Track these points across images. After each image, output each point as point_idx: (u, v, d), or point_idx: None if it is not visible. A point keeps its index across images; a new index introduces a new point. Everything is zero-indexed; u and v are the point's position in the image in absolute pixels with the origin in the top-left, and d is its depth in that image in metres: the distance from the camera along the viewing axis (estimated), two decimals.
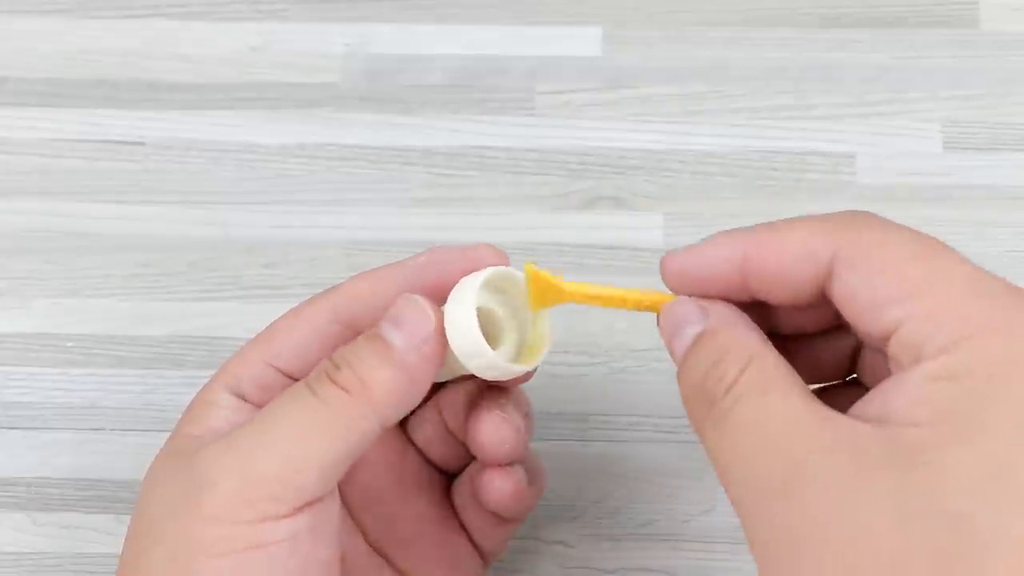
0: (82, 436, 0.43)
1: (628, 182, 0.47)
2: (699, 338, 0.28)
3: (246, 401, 0.33)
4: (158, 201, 0.47)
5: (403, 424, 0.37)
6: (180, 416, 0.34)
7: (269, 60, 0.49)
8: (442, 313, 0.31)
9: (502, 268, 0.32)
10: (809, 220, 0.28)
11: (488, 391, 0.34)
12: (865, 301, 0.26)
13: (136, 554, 0.31)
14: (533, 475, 0.36)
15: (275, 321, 0.34)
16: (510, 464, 0.34)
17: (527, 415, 0.35)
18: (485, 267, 0.32)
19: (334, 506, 0.31)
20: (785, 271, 0.28)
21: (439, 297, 0.32)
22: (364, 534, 0.36)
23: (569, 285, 0.31)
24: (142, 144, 0.48)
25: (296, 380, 0.33)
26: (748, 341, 0.28)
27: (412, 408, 0.31)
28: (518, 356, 0.33)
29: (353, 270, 0.45)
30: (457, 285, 0.32)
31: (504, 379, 0.32)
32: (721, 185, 0.46)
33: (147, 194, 0.47)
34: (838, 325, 0.30)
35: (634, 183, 0.47)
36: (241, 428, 0.31)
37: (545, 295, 0.32)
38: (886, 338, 0.26)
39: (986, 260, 0.46)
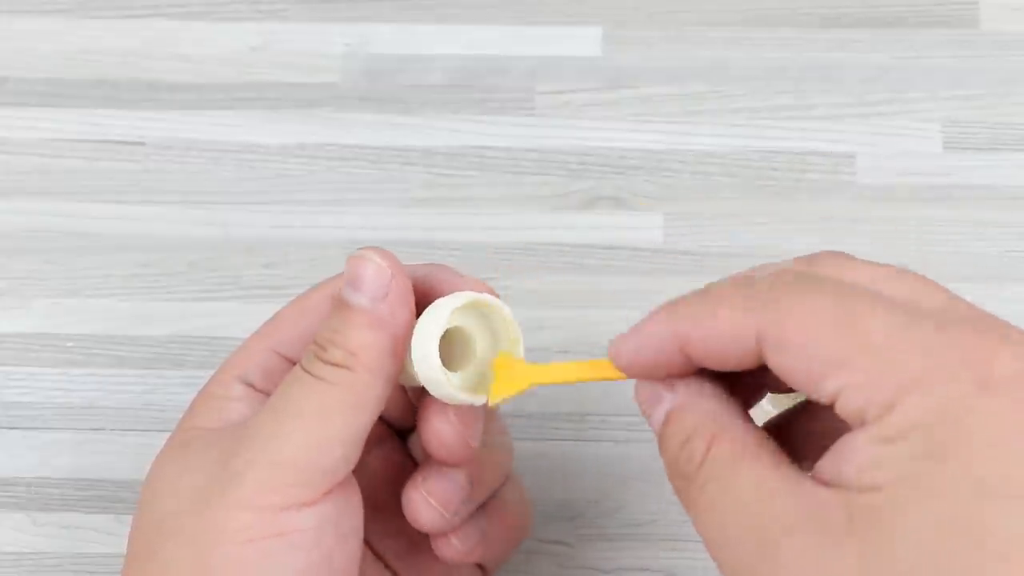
0: (82, 436, 0.43)
1: (628, 182, 0.47)
2: (668, 416, 0.29)
3: (256, 390, 0.34)
4: (158, 201, 0.47)
5: (404, 439, 0.37)
6: (182, 414, 0.34)
7: (269, 60, 0.49)
8: (397, 263, 0.32)
9: (486, 296, 0.32)
10: (732, 295, 0.28)
11: (426, 459, 0.34)
12: (800, 377, 0.26)
13: (150, 548, 0.31)
14: (499, 520, 0.35)
15: (279, 311, 0.35)
16: (448, 532, 0.34)
17: (477, 480, 0.34)
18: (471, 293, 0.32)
19: (357, 503, 0.32)
20: (718, 354, 0.28)
21: (424, 305, 0.32)
22: (368, 544, 0.36)
23: (533, 368, 0.32)
24: (142, 144, 0.48)
25: None
26: (713, 414, 0.28)
27: (404, 353, 0.31)
28: (477, 386, 0.33)
29: None
30: (434, 303, 0.32)
31: (453, 403, 0.32)
32: (721, 185, 0.46)
33: (147, 194, 0.47)
34: None
35: (634, 183, 0.47)
36: (256, 419, 0.31)
37: (511, 379, 0.32)
38: (830, 403, 0.26)
39: (986, 260, 0.47)
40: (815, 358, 0.26)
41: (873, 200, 0.46)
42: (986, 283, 0.45)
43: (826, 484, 0.25)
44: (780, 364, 0.26)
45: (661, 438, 0.29)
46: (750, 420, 0.28)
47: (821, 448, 0.26)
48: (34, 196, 0.47)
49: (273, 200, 0.47)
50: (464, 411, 0.32)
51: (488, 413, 0.34)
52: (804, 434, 0.31)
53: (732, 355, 0.27)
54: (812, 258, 0.29)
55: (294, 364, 0.34)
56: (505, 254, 0.45)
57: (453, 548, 0.34)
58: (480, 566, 0.37)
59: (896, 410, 0.24)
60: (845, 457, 0.25)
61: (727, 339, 0.27)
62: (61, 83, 0.49)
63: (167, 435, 0.33)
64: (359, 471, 0.35)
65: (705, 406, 0.28)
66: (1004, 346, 0.25)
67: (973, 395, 0.24)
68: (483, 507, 0.35)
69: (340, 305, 0.32)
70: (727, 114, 0.48)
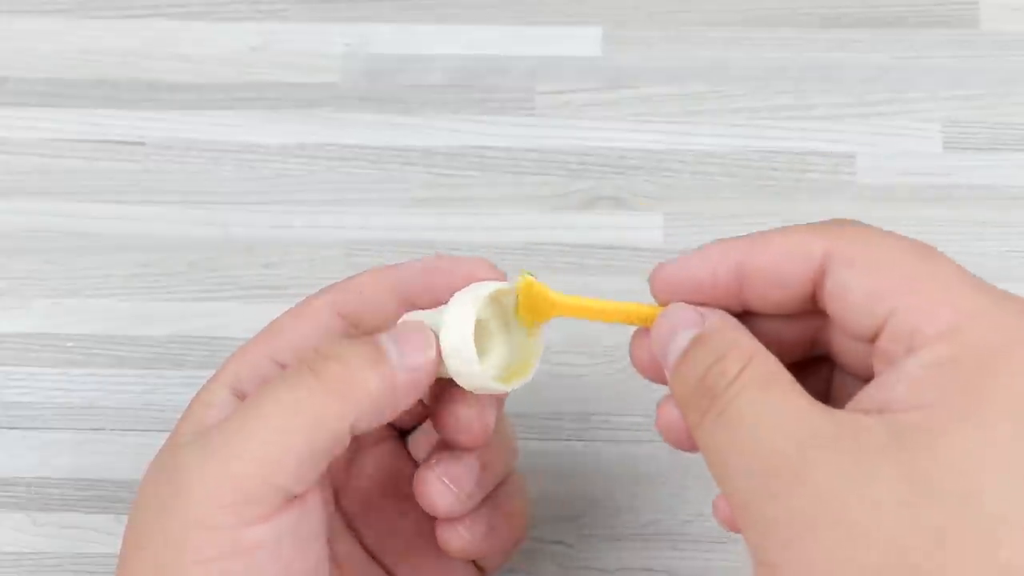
0: (82, 436, 0.43)
1: (628, 182, 0.47)
2: (699, 337, 0.29)
3: (243, 398, 0.33)
4: (158, 201, 0.47)
5: (403, 438, 0.37)
6: (180, 416, 0.34)
7: (269, 60, 0.49)
8: (438, 345, 0.31)
9: (506, 285, 0.32)
10: (802, 226, 0.29)
11: (439, 445, 0.34)
12: (859, 293, 0.27)
13: (127, 556, 0.31)
14: (504, 513, 0.35)
15: (277, 318, 0.34)
16: (455, 519, 0.34)
17: (487, 467, 0.34)
18: (478, 280, 0.32)
19: (317, 509, 0.31)
20: (780, 269, 0.28)
21: (433, 302, 0.32)
22: (361, 541, 0.36)
23: (560, 297, 0.31)
24: (142, 144, 0.48)
25: None
26: (749, 341, 0.28)
27: (383, 422, 0.31)
28: (504, 372, 0.33)
29: (353, 270, 0.45)
30: (459, 295, 0.31)
31: (484, 392, 0.32)
32: (721, 185, 0.46)
33: (147, 194, 0.47)
34: (813, 356, 0.31)
35: (634, 183, 0.47)
36: (217, 427, 0.30)
37: (536, 308, 0.32)
38: (877, 332, 0.27)
39: (986, 260, 0.47)
40: (881, 277, 0.26)
41: (873, 200, 0.46)
42: None
43: (865, 412, 0.25)
44: (842, 280, 0.27)
45: (686, 356, 0.29)
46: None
47: None
48: (34, 196, 0.47)
49: (273, 200, 0.47)
50: (483, 395, 0.32)
51: (498, 400, 0.34)
52: None
53: (791, 276, 0.28)
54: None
55: None
56: (505, 254, 0.45)
57: (461, 538, 0.34)
58: (479, 568, 0.37)
59: (952, 336, 0.25)
60: (891, 383, 0.25)
61: (793, 256, 0.28)
62: (61, 83, 0.49)
63: (167, 435, 0.33)
64: (357, 471, 0.35)
65: (741, 332, 0.29)
66: None
67: None
68: (488, 500, 0.35)
69: (370, 343, 0.31)
70: (727, 114, 0.48)
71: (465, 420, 0.32)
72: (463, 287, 0.32)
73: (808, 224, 0.29)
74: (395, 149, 0.47)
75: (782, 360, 0.29)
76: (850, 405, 0.26)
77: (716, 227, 0.46)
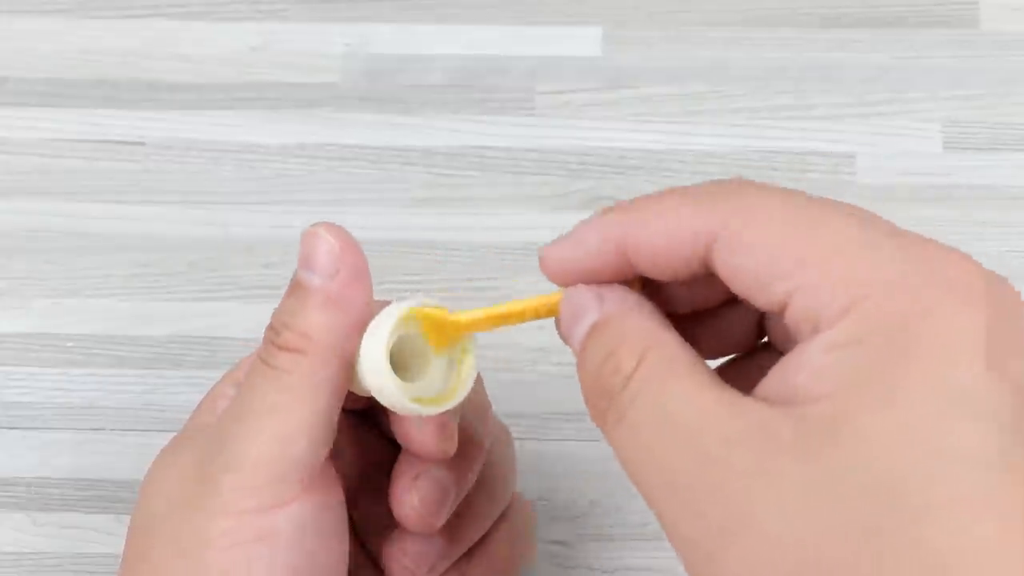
0: (82, 436, 0.43)
1: (628, 182, 0.47)
2: (594, 327, 0.27)
3: None
4: (158, 201, 0.47)
5: (377, 423, 0.37)
6: (191, 411, 0.34)
7: (269, 60, 0.49)
8: (350, 239, 0.30)
9: (426, 305, 0.30)
10: (683, 195, 0.26)
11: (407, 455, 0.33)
12: (750, 279, 0.24)
13: (142, 550, 0.31)
14: (488, 566, 0.35)
15: None
16: (427, 534, 0.33)
17: (456, 482, 0.33)
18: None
19: (338, 503, 0.31)
20: (664, 254, 0.26)
21: None
22: (366, 550, 0.36)
23: (463, 316, 0.30)
24: (142, 144, 0.48)
25: None
26: (645, 327, 0.26)
27: (361, 332, 0.30)
28: (439, 394, 0.31)
29: None
30: (381, 312, 0.30)
31: (407, 413, 0.31)
32: None
33: (147, 194, 0.47)
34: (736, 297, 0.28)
35: (634, 183, 0.47)
36: (224, 416, 0.31)
37: (442, 332, 0.30)
38: (781, 312, 0.24)
39: (986, 260, 0.46)
40: (770, 256, 0.24)
41: (873, 200, 0.46)
42: None
43: (769, 402, 0.23)
44: (730, 264, 0.25)
45: (582, 351, 0.27)
46: (680, 338, 0.26)
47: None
48: (34, 196, 0.47)
49: (273, 200, 0.47)
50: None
51: (475, 458, 0.33)
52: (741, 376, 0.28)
53: (680, 257, 0.25)
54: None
55: None
56: (505, 254, 0.45)
57: (426, 549, 0.33)
58: None
59: (854, 313, 0.23)
60: (794, 369, 0.23)
61: (675, 240, 0.25)
62: (61, 83, 0.49)
63: (167, 435, 0.33)
64: (364, 481, 0.35)
65: (637, 318, 0.26)
66: (962, 257, 0.24)
67: (936, 300, 0.23)
68: (469, 553, 0.34)
69: (294, 285, 0.31)
70: (727, 114, 0.48)
71: (418, 440, 0.31)
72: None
73: (691, 192, 0.26)
74: (395, 149, 0.47)
75: (700, 313, 0.27)
76: (759, 389, 0.24)
77: None
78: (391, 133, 0.48)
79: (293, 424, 0.29)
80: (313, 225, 0.31)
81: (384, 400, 0.30)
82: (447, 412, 0.31)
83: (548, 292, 0.29)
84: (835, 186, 0.46)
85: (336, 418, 0.30)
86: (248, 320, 0.44)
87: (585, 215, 0.47)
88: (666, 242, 0.26)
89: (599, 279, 0.27)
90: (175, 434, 0.33)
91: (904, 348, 0.22)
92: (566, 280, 0.28)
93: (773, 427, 0.23)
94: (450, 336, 0.30)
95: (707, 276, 0.26)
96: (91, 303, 0.45)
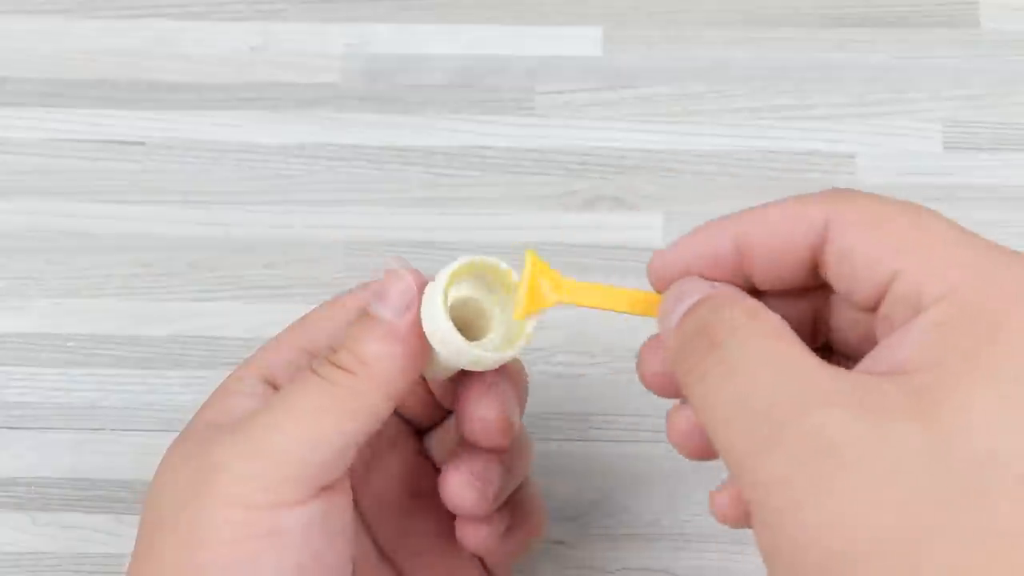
0: (82, 436, 0.43)
1: (628, 182, 0.47)
2: (705, 297, 0.28)
3: (276, 388, 0.33)
4: (158, 201, 0.47)
5: (422, 439, 0.37)
6: (191, 411, 0.34)
7: (269, 60, 0.49)
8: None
9: (479, 258, 0.32)
10: (798, 196, 0.28)
11: (462, 446, 0.34)
12: (861, 258, 0.26)
13: (148, 544, 0.31)
14: (522, 515, 0.35)
15: (311, 311, 0.35)
16: (480, 517, 0.34)
17: (511, 468, 0.34)
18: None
19: (347, 504, 0.32)
20: (779, 240, 0.28)
21: None
22: (375, 541, 0.36)
23: (566, 282, 0.31)
24: (142, 144, 0.48)
25: None
26: (756, 304, 0.28)
27: (415, 376, 0.32)
28: (502, 346, 0.32)
29: (353, 270, 0.45)
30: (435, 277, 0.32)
31: (481, 368, 0.32)
32: (721, 185, 0.46)
33: (147, 194, 0.47)
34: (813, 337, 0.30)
35: (634, 183, 0.47)
36: (253, 414, 0.31)
37: (538, 292, 0.31)
38: (879, 297, 0.26)
39: None
40: (883, 239, 0.26)
41: None
42: None
43: (874, 375, 0.25)
44: (844, 244, 0.27)
45: (687, 314, 0.28)
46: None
47: None
48: (34, 196, 0.47)
49: (273, 200, 0.47)
50: (503, 393, 0.33)
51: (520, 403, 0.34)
52: None
53: (794, 247, 0.27)
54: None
55: None
56: (505, 254, 0.45)
57: (482, 537, 0.34)
58: (488, 570, 0.37)
59: (956, 294, 0.25)
60: (899, 345, 0.25)
61: (793, 225, 0.27)
62: (61, 83, 0.49)
63: (167, 435, 0.33)
64: (373, 470, 0.35)
65: (747, 297, 0.28)
66: None
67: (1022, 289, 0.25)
68: (509, 501, 0.35)
69: (363, 314, 0.32)
70: (727, 114, 0.48)
71: (489, 417, 0.33)
72: None
73: (804, 194, 0.28)
74: (395, 149, 0.47)
75: None
76: (858, 368, 0.26)
77: None
78: (391, 133, 0.48)
79: (325, 432, 0.30)
80: (393, 261, 0.32)
81: (449, 352, 0.31)
82: (517, 394, 0.33)
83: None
84: (835, 186, 0.46)
85: (361, 444, 0.31)
86: (248, 320, 0.44)
87: (585, 215, 0.47)
88: (782, 231, 0.28)
89: (712, 276, 0.29)
90: (178, 433, 0.33)
91: (1003, 331, 0.24)
92: (681, 272, 0.29)
93: (881, 391, 0.24)
94: (542, 298, 0.31)
95: (808, 288, 0.28)
96: (91, 303, 0.45)
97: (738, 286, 0.29)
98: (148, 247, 0.46)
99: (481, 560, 0.37)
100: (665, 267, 0.30)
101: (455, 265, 0.31)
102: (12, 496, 0.42)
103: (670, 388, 0.30)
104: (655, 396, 0.31)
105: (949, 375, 0.24)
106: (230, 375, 0.34)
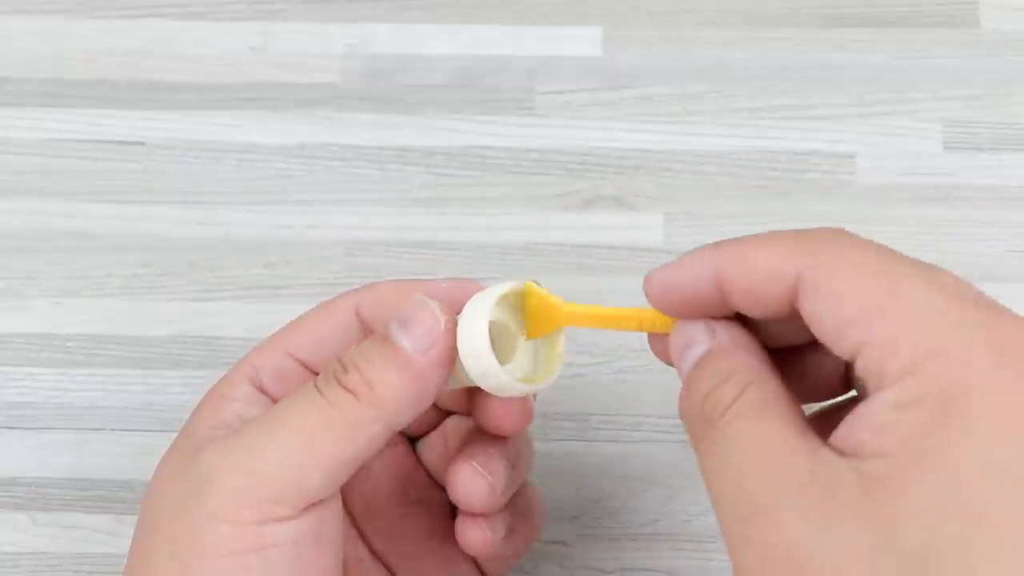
0: (82, 436, 0.43)
1: (628, 182, 0.47)
2: (702, 359, 0.29)
3: (264, 392, 0.33)
4: (158, 201, 0.47)
5: (413, 442, 0.37)
6: (191, 411, 0.34)
7: (269, 60, 0.49)
8: (453, 320, 0.31)
9: (520, 284, 0.32)
10: (776, 237, 0.28)
11: (478, 436, 0.34)
12: (828, 323, 0.26)
13: (142, 551, 0.31)
14: (522, 517, 0.35)
15: (302, 314, 0.35)
16: (486, 514, 0.34)
17: (516, 465, 0.34)
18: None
19: (337, 512, 0.31)
20: (755, 290, 0.28)
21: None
22: (368, 544, 0.36)
23: (568, 307, 0.31)
24: (142, 144, 0.48)
25: (315, 372, 0.33)
26: (750, 365, 0.28)
27: (421, 411, 0.31)
28: (531, 374, 0.33)
29: (353, 270, 0.45)
30: (473, 298, 0.31)
31: (502, 395, 0.32)
32: (721, 185, 0.46)
33: (147, 194, 0.47)
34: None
35: (634, 183, 0.47)
36: (247, 425, 0.31)
37: (542, 317, 0.32)
38: (852, 361, 0.26)
39: (986, 260, 0.46)
40: (846, 307, 0.26)
41: (873, 200, 0.46)
42: (986, 283, 0.44)
43: (840, 452, 0.25)
44: (812, 309, 0.26)
45: (689, 379, 0.29)
46: (780, 379, 0.28)
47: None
48: (34, 196, 0.47)
49: (273, 200, 0.47)
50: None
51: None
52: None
53: (768, 295, 0.27)
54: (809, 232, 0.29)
55: (308, 368, 0.34)
56: (505, 254, 0.45)
57: (484, 536, 0.34)
58: (482, 571, 0.37)
59: (915, 374, 0.24)
60: (859, 423, 0.25)
61: (766, 277, 0.27)
62: (61, 83, 0.49)
63: (167, 435, 0.33)
64: (364, 475, 0.35)
65: (743, 354, 0.28)
66: (1021, 327, 0.25)
67: (992, 372, 0.24)
68: (508, 504, 0.35)
69: (382, 337, 0.31)
70: (727, 114, 0.48)
71: (511, 416, 0.33)
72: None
73: (784, 235, 0.28)
74: (395, 149, 0.47)
75: (795, 350, 0.29)
76: (833, 437, 0.26)
77: (716, 227, 0.46)
78: (391, 133, 0.48)
79: (320, 456, 0.30)
80: (424, 294, 0.32)
81: (487, 382, 0.31)
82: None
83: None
84: (835, 186, 0.46)
85: (353, 469, 0.31)
86: (248, 320, 0.44)
87: (585, 215, 0.47)
88: (756, 278, 0.27)
89: (698, 308, 0.29)
90: (176, 434, 0.33)
91: (958, 418, 0.24)
92: (667, 303, 0.29)
93: (839, 477, 0.24)
94: (546, 322, 0.32)
95: (795, 316, 0.28)
96: (91, 303, 0.45)
97: (727, 313, 0.29)
98: (148, 247, 0.46)
99: (477, 565, 0.37)
100: (658, 290, 0.29)
101: (507, 287, 0.31)
102: (12, 496, 0.42)
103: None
104: (655, 396, 0.31)
105: (899, 466, 0.24)
106: (222, 378, 0.34)
